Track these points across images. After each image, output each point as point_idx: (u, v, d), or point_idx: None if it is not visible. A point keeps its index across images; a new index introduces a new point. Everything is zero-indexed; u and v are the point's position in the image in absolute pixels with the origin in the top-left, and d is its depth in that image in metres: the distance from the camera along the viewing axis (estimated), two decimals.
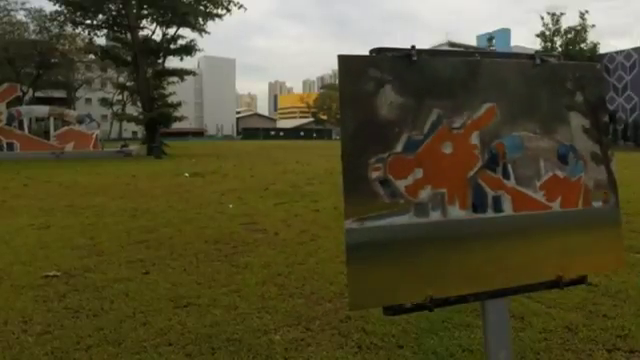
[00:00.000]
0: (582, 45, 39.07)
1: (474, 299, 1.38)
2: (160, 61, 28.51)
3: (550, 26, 40.34)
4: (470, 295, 1.36)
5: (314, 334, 2.77)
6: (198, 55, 30.86)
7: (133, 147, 26.66)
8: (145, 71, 26.58)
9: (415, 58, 1.33)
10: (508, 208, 1.38)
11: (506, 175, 1.39)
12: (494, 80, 1.41)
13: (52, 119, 25.02)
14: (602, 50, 38.99)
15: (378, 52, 1.32)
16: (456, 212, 1.32)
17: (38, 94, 49.09)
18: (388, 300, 1.28)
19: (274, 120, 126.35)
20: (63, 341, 2.68)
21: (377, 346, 2.61)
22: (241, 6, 27.71)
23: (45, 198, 8.55)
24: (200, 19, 27.85)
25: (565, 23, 40.01)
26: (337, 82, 1.27)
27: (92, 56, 34.91)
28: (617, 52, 37.18)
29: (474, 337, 2.66)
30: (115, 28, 27.53)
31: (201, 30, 28.16)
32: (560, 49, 38.77)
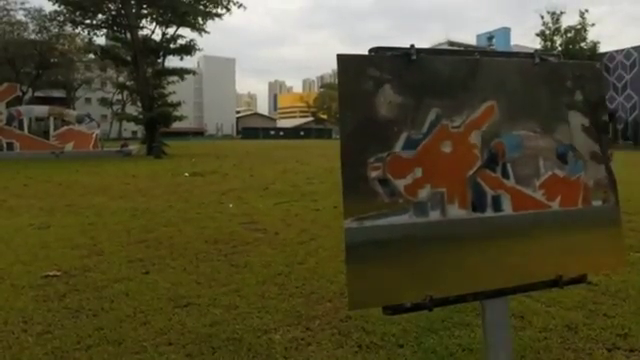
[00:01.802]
0: (582, 44, 39.04)
1: (473, 298, 1.38)
2: (160, 61, 28.47)
3: (550, 25, 40.32)
4: (469, 294, 1.36)
5: (314, 333, 2.77)
6: (198, 55, 30.86)
7: (133, 147, 26.64)
8: (145, 71, 26.55)
9: (414, 57, 1.32)
10: (507, 207, 1.38)
11: (505, 174, 1.38)
12: (493, 79, 1.41)
13: (52, 119, 24.97)
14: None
15: (377, 51, 1.31)
16: (455, 211, 1.32)
17: (38, 94, 49.10)
18: (388, 299, 1.28)
19: (274, 120, 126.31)
20: (63, 341, 2.68)
21: (377, 345, 2.61)
22: (240, 5, 27.70)
23: (45, 198, 8.55)
24: (200, 18, 27.82)
25: (565, 22, 40.01)
26: (337, 81, 1.27)
27: (92, 56, 34.89)
28: (617, 51, 37.15)
29: (474, 336, 2.66)
30: (115, 28, 27.51)
31: (201, 30, 28.13)
32: (560, 48, 38.74)
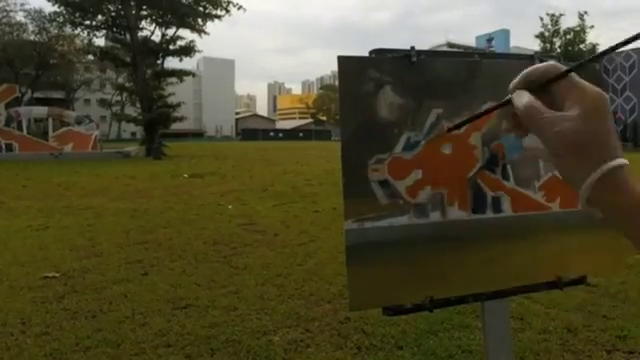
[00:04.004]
0: (581, 46, 39.13)
1: (474, 300, 1.38)
2: (159, 62, 28.50)
3: (549, 27, 40.39)
4: (470, 296, 1.36)
5: (313, 335, 2.77)
6: (197, 56, 30.87)
7: (132, 148, 26.62)
8: (144, 72, 26.54)
9: (414, 59, 1.33)
10: (507, 209, 1.38)
11: (505, 176, 1.38)
12: (493, 81, 1.41)
13: (51, 120, 24.95)
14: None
15: (377, 53, 1.31)
16: (455, 213, 1.32)
17: (37, 95, 49.10)
18: (388, 301, 1.28)
19: (273, 121, 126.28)
20: (62, 342, 2.68)
21: (376, 347, 2.61)
22: (240, 7, 27.75)
23: (44, 199, 8.54)
24: (199, 20, 27.87)
25: (564, 24, 40.09)
26: (336, 83, 1.27)
27: (91, 57, 34.88)
28: (616, 53, 37.24)
29: (473, 338, 2.66)
30: (114, 29, 27.51)
31: (200, 31, 28.17)
32: (559, 50, 38.80)
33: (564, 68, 0.50)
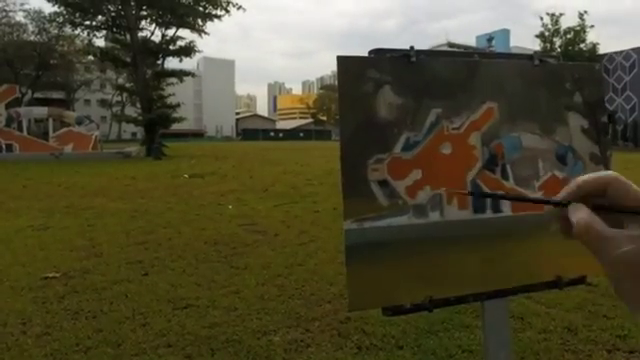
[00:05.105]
0: (581, 45, 39.07)
1: (474, 299, 1.38)
2: (159, 62, 28.50)
3: (549, 27, 40.31)
4: (470, 295, 1.36)
5: (314, 335, 2.77)
6: (197, 56, 30.87)
7: (132, 148, 26.63)
8: (144, 72, 26.55)
9: (414, 59, 1.33)
10: (507, 209, 1.38)
11: (505, 175, 1.38)
12: (493, 81, 1.41)
13: (51, 120, 24.97)
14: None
15: (377, 53, 1.31)
16: (455, 213, 1.32)
17: (37, 95, 49.09)
18: (387, 301, 1.28)
19: (273, 121, 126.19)
20: (62, 343, 2.68)
21: (376, 347, 2.61)
22: (240, 7, 27.76)
23: (44, 199, 8.54)
24: (199, 20, 27.88)
25: (564, 24, 39.97)
26: (336, 83, 1.27)
27: (91, 57, 34.87)
28: (616, 52, 37.17)
29: (473, 338, 2.66)
30: (114, 29, 27.52)
31: (200, 31, 28.19)
32: (559, 50, 38.74)
33: (624, 180, 0.43)
